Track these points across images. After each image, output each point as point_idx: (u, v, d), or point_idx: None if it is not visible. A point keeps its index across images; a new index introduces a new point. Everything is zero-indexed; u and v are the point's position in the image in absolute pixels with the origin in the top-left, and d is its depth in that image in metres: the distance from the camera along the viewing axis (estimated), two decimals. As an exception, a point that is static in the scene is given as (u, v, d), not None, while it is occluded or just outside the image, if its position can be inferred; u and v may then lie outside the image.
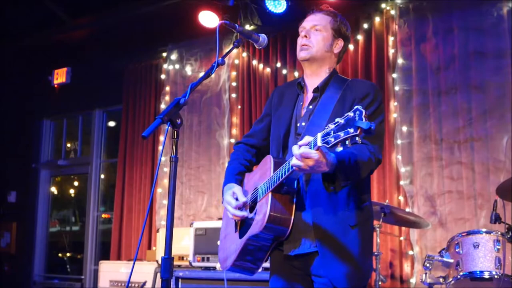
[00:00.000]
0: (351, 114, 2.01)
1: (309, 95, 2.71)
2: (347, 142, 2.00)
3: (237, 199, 2.60)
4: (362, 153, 2.35)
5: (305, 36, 2.72)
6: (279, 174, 2.37)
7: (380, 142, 2.54)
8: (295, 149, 2.20)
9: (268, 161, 2.56)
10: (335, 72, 2.76)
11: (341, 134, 2.00)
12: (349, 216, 2.46)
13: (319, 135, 2.10)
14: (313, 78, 2.74)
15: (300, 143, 2.21)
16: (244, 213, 2.58)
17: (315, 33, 2.72)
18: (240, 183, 2.78)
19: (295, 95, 2.76)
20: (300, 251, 2.47)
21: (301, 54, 2.72)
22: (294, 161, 2.21)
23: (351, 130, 1.98)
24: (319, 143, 2.09)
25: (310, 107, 2.66)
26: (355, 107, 2.02)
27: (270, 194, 2.40)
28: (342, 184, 2.32)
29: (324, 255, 2.42)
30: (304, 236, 2.46)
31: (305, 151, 2.16)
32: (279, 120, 2.74)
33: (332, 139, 2.03)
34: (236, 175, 2.80)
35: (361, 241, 2.48)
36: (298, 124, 2.65)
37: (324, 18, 2.77)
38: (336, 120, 2.06)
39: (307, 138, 2.20)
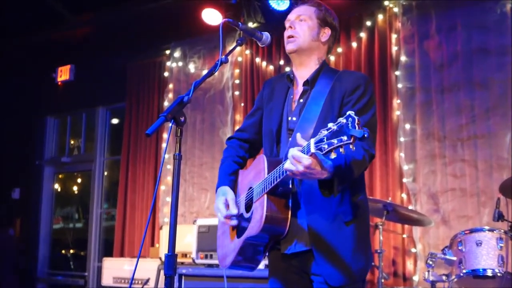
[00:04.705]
0: (343, 120, 1.99)
1: (299, 88, 2.68)
2: (340, 149, 1.99)
3: (227, 207, 2.60)
4: (357, 151, 2.28)
5: (290, 27, 2.68)
6: (273, 176, 2.36)
7: (374, 136, 2.51)
8: (289, 152, 2.19)
9: (262, 160, 2.53)
10: (325, 64, 2.71)
11: (335, 141, 1.99)
12: (344, 212, 2.45)
13: (312, 141, 2.08)
14: (302, 70, 2.70)
15: (297, 138, 2.21)
16: (233, 222, 2.58)
17: (300, 23, 2.67)
18: (234, 182, 2.78)
19: (285, 89, 2.73)
20: (296, 250, 2.47)
21: (288, 46, 2.67)
22: (287, 165, 2.20)
23: (345, 138, 1.97)
24: (313, 149, 2.07)
25: (301, 100, 2.62)
26: (348, 112, 2.00)
27: (265, 195, 2.40)
28: (338, 189, 2.30)
29: (319, 253, 2.41)
30: (298, 235, 2.46)
31: (296, 154, 2.15)
32: (270, 114, 2.72)
33: (326, 146, 2.02)
34: (230, 175, 2.79)
35: (357, 237, 2.46)
36: (290, 119, 2.62)
37: (308, 9, 2.72)
38: (329, 126, 2.04)
39: (301, 141, 2.18)
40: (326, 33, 2.70)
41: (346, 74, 2.67)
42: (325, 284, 2.41)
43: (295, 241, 2.47)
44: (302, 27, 2.66)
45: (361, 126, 1.97)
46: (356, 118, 1.97)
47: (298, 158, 2.15)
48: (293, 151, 2.16)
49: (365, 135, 1.95)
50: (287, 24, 2.71)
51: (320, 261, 2.41)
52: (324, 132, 2.05)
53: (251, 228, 2.47)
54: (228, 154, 2.89)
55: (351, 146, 1.98)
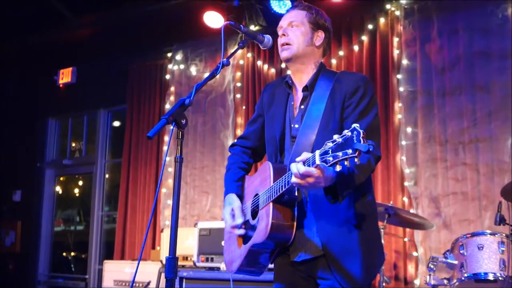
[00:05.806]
0: (348, 133, 2.00)
1: (299, 94, 2.67)
2: (345, 162, 2.01)
3: (233, 217, 2.61)
4: (362, 156, 2.26)
5: (283, 35, 2.67)
6: (279, 185, 2.36)
7: (378, 137, 2.51)
8: (294, 168, 2.19)
9: (268, 168, 2.54)
10: (322, 67, 2.70)
11: (340, 154, 2.01)
12: (352, 215, 2.45)
13: (317, 153, 2.09)
14: (300, 76, 2.70)
15: (298, 159, 2.21)
16: (241, 232, 2.60)
17: (292, 30, 2.66)
18: (241, 188, 2.79)
19: (285, 95, 2.73)
20: (307, 257, 2.47)
21: (283, 54, 2.67)
22: (294, 179, 2.20)
23: (349, 151, 1.98)
24: (318, 162, 2.08)
25: (302, 107, 2.62)
26: (353, 125, 2.01)
27: (271, 203, 2.41)
28: (344, 194, 2.31)
29: (331, 257, 2.42)
30: (309, 242, 2.46)
31: (306, 170, 2.15)
32: (272, 121, 2.72)
33: (331, 159, 2.03)
34: (236, 181, 2.80)
35: (367, 238, 2.47)
36: (292, 126, 2.62)
37: (299, 13, 2.70)
38: (334, 137, 2.05)
39: (305, 155, 2.19)
40: (320, 36, 2.69)
41: (345, 75, 2.66)
42: (336, 286, 2.41)
43: (305, 249, 2.47)
44: (295, 33, 2.65)
45: (366, 140, 1.97)
46: (361, 131, 1.98)
47: (307, 173, 2.15)
48: (301, 168, 2.16)
49: (370, 149, 1.96)
50: (279, 32, 2.71)
51: (332, 264, 2.41)
52: (329, 144, 2.06)
53: (257, 235, 2.48)
54: (233, 161, 2.90)
55: (356, 160, 1.99)
